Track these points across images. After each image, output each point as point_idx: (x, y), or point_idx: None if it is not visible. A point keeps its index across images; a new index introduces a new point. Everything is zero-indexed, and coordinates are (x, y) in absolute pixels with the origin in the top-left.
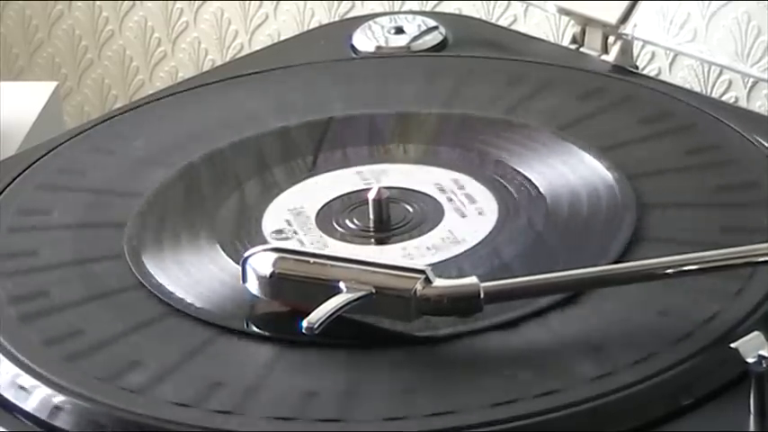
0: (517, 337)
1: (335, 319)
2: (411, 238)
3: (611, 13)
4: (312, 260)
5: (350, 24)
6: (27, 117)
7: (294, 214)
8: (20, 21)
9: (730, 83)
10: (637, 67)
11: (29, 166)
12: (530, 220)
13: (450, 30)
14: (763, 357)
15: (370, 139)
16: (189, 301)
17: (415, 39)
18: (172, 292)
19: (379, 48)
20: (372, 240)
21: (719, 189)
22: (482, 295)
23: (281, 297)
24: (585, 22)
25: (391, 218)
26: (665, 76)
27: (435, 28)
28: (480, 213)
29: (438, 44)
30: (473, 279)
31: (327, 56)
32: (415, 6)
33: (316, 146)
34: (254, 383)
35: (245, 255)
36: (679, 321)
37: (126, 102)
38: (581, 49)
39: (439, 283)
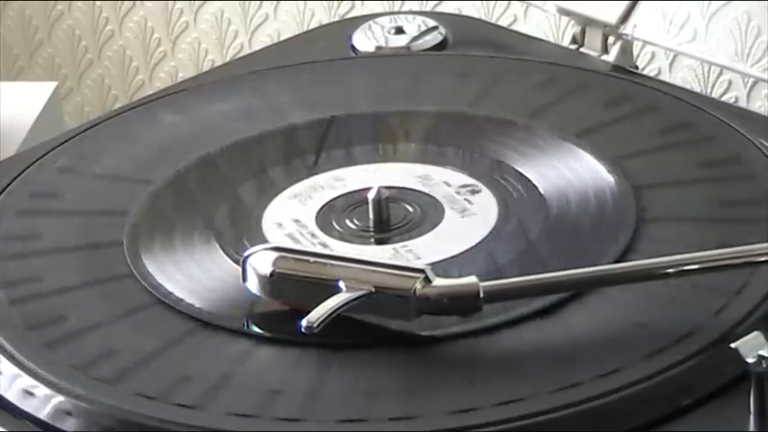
0: (516, 338)
1: (336, 318)
2: (411, 237)
3: (611, 14)
4: (312, 259)
5: (350, 24)
6: (27, 117)
7: (294, 214)
8: (20, 21)
9: (730, 83)
10: (637, 68)
11: (29, 166)
12: (529, 220)
13: (450, 30)
14: (763, 357)
15: (370, 138)
16: (191, 302)
17: (415, 39)
18: (171, 292)
19: (379, 48)
20: (372, 240)
21: (721, 195)
22: (482, 295)
23: (281, 296)
24: (585, 23)
25: (391, 217)
26: (665, 76)
27: (435, 28)
28: (480, 213)
29: (438, 44)
30: (472, 278)
31: (327, 56)
32: (415, 6)
33: (315, 145)
34: (224, 379)
35: (245, 254)
36: (679, 321)
37: (126, 102)
38: (581, 50)
39: (438, 282)
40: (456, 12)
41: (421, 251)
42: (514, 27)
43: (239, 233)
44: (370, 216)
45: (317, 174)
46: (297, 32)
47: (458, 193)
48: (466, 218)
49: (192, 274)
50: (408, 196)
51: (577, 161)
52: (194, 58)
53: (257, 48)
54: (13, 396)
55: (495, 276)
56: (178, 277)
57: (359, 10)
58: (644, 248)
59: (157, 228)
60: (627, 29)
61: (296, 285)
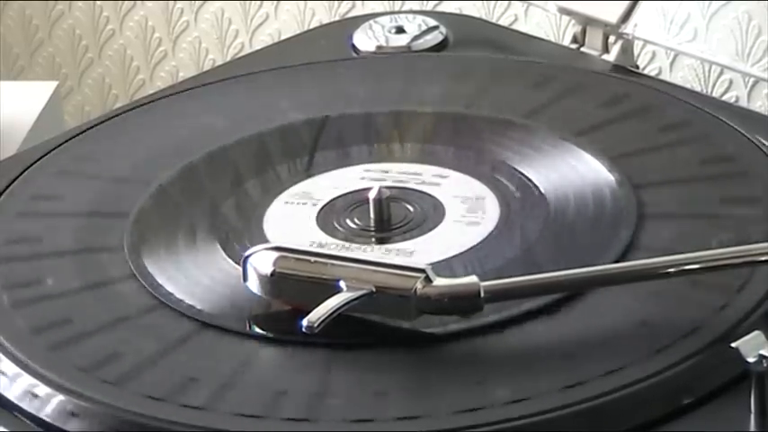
0: (516, 337)
1: (336, 318)
2: (412, 237)
3: (611, 13)
4: (313, 259)
5: (350, 24)
6: (27, 117)
7: (295, 213)
8: (20, 21)
9: (731, 82)
10: (637, 67)
11: (29, 166)
12: (530, 221)
13: (451, 29)
14: (764, 357)
15: (371, 138)
16: (181, 297)
17: (416, 38)
18: (171, 293)
19: (379, 47)
20: (373, 240)
21: (722, 195)
22: (482, 294)
23: (282, 296)
24: (586, 22)
25: (392, 217)
26: (665, 76)
27: (436, 27)
28: (481, 213)
29: (438, 44)
30: (473, 278)
31: (328, 56)
32: (416, 6)
33: (316, 145)
34: (229, 380)
35: (246, 253)
36: (679, 321)
37: (126, 101)
38: (582, 49)
39: (439, 282)
40: (456, 11)
41: (422, 250)
42: (515, 26)
43: (239, 232)
44: (371, 216)
45: (317, 173)
46: (297, 32)
47: (459, 193)
48: (467, 217)
49: (181, 260)
50: (409, 196)
51: (578, 161)
52: (195, 58)
53: (258, 47)
54: (15, 397)
55: (496, 276)
56: (164, 263)
57: (359, 9)
58: (644, 246)
59: (158, 229)
60: (627, 28)
61: (296, 285)
